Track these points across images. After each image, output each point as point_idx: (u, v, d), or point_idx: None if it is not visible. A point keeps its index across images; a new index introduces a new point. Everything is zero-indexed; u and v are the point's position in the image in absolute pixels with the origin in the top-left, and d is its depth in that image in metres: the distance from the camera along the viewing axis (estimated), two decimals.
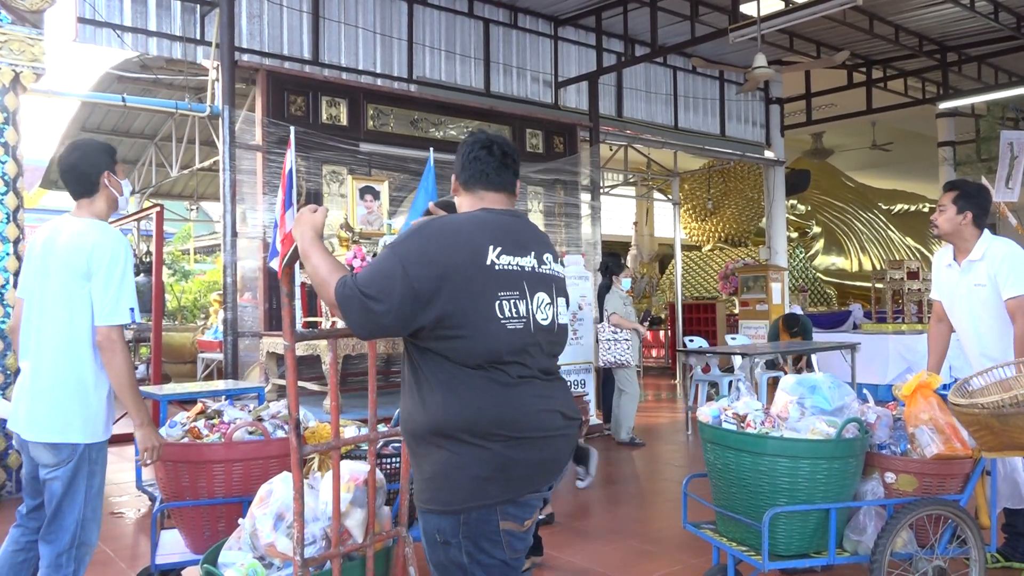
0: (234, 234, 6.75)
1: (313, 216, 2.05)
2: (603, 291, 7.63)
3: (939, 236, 3.69)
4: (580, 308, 7.73)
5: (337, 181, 7.37)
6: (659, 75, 11.21)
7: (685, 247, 15.39)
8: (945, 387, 3.44)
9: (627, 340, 7.29)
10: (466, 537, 1.93)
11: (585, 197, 9.62)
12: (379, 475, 2.63)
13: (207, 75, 7.26)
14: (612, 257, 8.05)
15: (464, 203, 2.13)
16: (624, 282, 7.51)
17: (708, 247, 16.78)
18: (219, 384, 5.88)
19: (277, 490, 2.53)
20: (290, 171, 6.38)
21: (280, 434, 3.39)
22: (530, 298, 1.98)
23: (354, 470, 2.52)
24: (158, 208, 8.12)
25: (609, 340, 7.27)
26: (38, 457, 2.60)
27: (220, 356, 7.69)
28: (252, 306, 7.01)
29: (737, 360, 8.75)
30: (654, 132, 11.13)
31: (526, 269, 1.99)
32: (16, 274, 5.47)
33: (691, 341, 9.56)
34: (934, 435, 3.05)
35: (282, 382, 6.31)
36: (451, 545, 1.94)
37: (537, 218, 8.98)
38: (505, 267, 1.95)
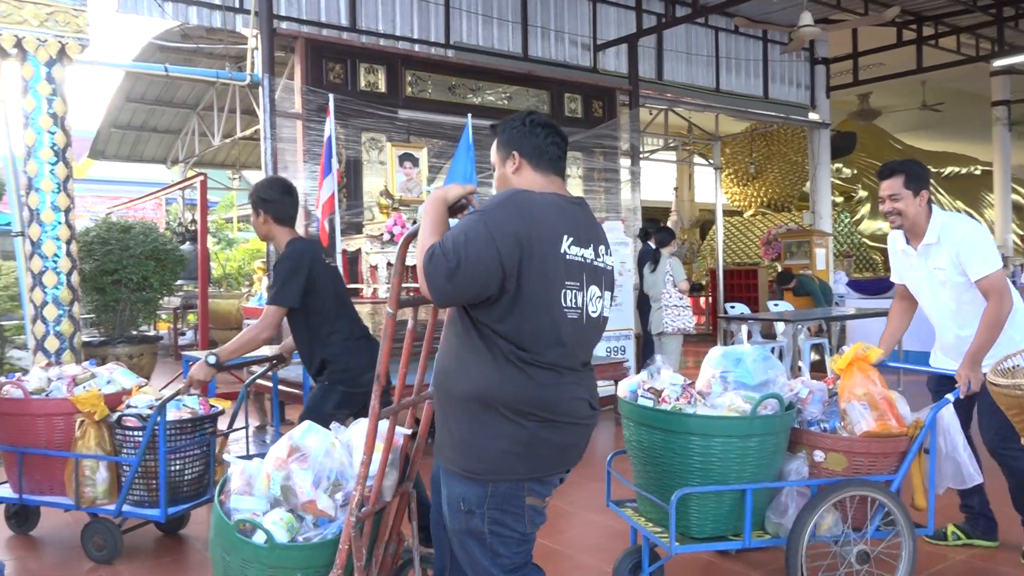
0: None
1: (448, 187, 2.13)
2: (644, 257, 7.58)
3: (902, 227, 3.44)
4: (620, 274, 7.69)
5: (376, 148, 7.39)
6: (700, 36, 10.96)
7: (727, 212, 15.17)
8: (886, 363, 3.34)
9: (689, 307, 7.31)
10: (491, 508, 2.00)
11: (625, 162, 9.52)
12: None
13: (247, 44, 7.29)
14: (652, 223, 7.98)
15: (529, 182, 2.14)
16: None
17: (750, 212, 16.51)
18: (265, 349, 5.99)
19: (312, 446, 2.48)
20: (329, 138, 6.42)
21: (57, 395, 3.72)
22: (586, 290, 2.05)
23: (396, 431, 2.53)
24: (202, 177, 8.25)
25: (677, 307, 7.25)
26: None
27: None
28: None
29: (780, 326, 8.66)
30: (695, 95, 10.92)
31: (587, 261, 2.06)
32: (68, 242, 5.61)
33: (733, 308, 9.47)
34: (866, 411, 2.88)
35: None
36: (475, 515, 2.01)
37: (576, 184, 8.91)
38: (574, 258, 2.02)
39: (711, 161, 13.56)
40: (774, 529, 2.88)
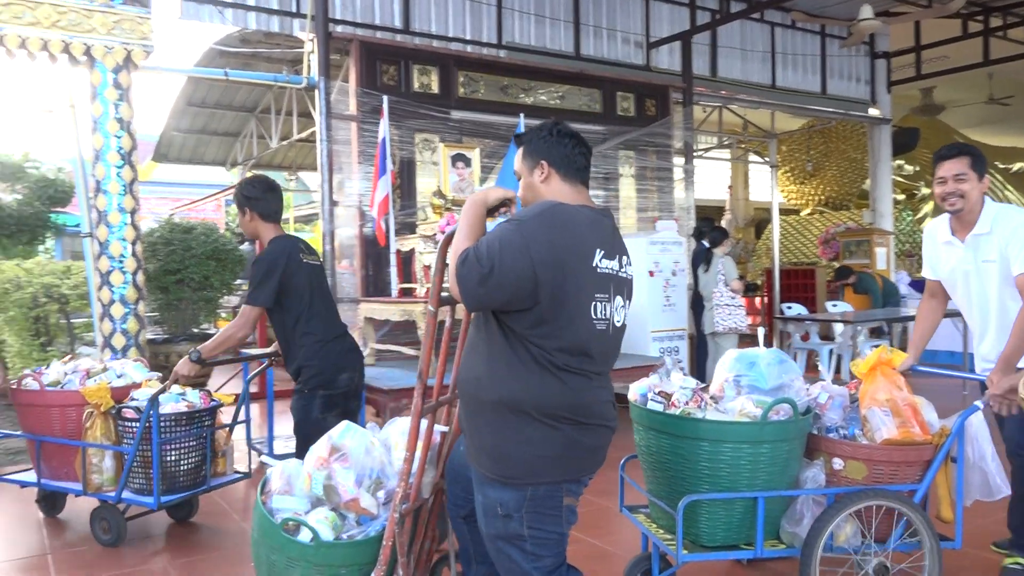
0: (332, 203, 6.93)
1: (488, 190, 2.17)
2: (697, 257, 7.48)
3: (960, 211, 3.20)
4: (673, 274, 7.62)
5: (429, 149, 7.45)
6: (755, 32, 10.77)
7: (783, 211, 14.88)
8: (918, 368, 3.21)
9: (741, 306, 7.21)
10: (529, 512, 2.03)
11: (678, 161, 9.43)
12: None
13: (303, 47, 7.43)
14: (707, 222, 7.89)
15: (560, 192, 2.17)
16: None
17: (807, 211, 16.16)
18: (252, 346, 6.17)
19: (352, 445, 2.50)
20: (383, 139, 6.49)
21: (71, 387, 4.01)
22: (612, 301, 2.10)
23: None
24: None
25: (729, 306, 7.16)
26: None
27: None
28: (350, 273, 7.20)
29: (838, 328, 8.46)
30: (750, 92, 10.74)
31: (614, 273, 2.11)
32: (133, 243, 5.79)
33: (789, 308, 9.29)
34: (887, 418, 2.74)
35: (380, 346, 6.50)
36: (512, 519, 2.04)
37: (628, 183, 8.85)
38: (604, 271, 2.06)
39: (767, 159, 13.33)
40: (789, 539, 2.77)
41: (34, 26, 5.35)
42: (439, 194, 6.31)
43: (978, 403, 2.96)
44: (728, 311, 7.19)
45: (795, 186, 16.21)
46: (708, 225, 7.98)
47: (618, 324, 2.13)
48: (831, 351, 8.42)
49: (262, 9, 7.31)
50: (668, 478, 2.78)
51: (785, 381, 2.83)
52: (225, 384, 8.27)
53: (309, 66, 7.26)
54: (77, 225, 7.18)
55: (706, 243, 7.53)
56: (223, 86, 10.83)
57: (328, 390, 3.36)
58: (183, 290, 6.57)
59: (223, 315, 12.16)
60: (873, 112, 12.12)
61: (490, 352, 2.05)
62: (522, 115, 7.24)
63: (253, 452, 5.57)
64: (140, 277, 5.86)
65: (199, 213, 14.62)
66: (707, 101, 10.68)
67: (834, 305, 9.43)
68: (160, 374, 4.37)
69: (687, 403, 2.78)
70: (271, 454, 5.18)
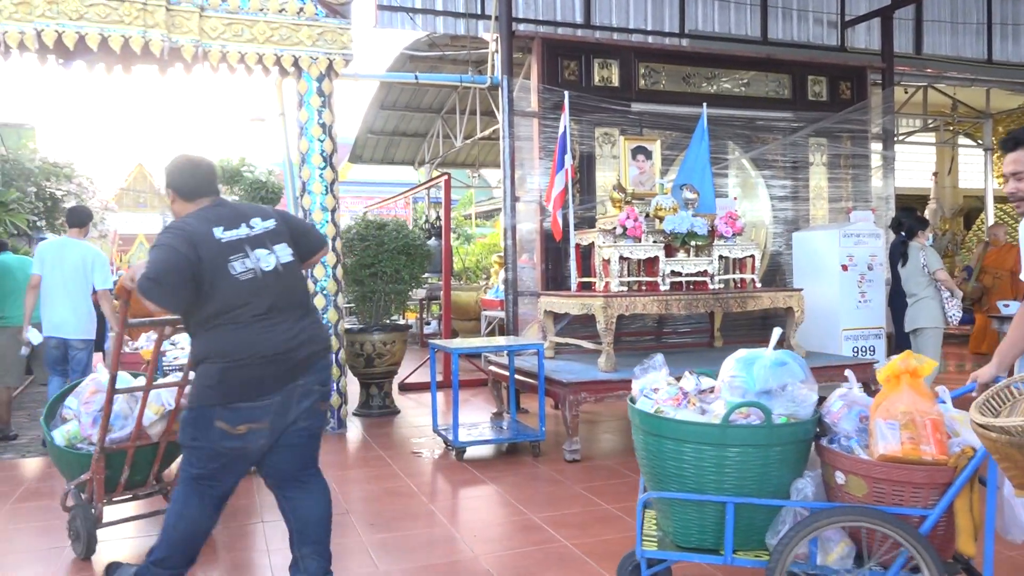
0: (514, 198, 7.10)
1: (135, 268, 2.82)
2: (894, 250, 6.94)
3: None
4: (870, 268, 7.13)
5: (609, 143, 7.44)
6: (968, 1, 9.80)
7: (998, 199, 13.47)
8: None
9: (954, 296, 6.58)
10: (191, 426, 2.78)
11: (876, 147, 8.78)
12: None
13: (487, 48, 7.66)
14: (907, 212, 7.28)
15: (184, 209, 2.91)
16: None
17: None
18: (501, 340, 6.26)
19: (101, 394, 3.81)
20: (563, 134, 6.55)
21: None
22: (251, 255, 2.79)
23: (168, 400, 3.88)
24: (446, 177, 8.79)
25: (949, 298, 6.56)
26: (75, 345, 5.85)
27: (501, 314, 8.19)
28: (530, 267, 7.35)
29: None
30: (961, 68, 9.79)
31: (243, 236, 2.82)
32: (334, 239, 6.24)
33: (1006, 307, 8.40)
34: (891, 431, 2.41)
35: (559, 339, 6.59)
36: (184, 431, 2.82)
37: (820, 172, 8.37)
38: (229, 239, 2.78)
39: (980, 142, 12.12)
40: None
41: (251, 42, 5.89)
42: (619, 188, 6.28)
43: None
44: (952, 303, 6.58)
45: None
46: (906, 215, 7.37)
47: (267, 268, 2.80)
48: None
49: (449, 13, 7.62)
50: (646, 475, 2.92)
51: (774, 386, 2.69)
52: (413, 372, 8.72)
53: (493, 66, 7.47)
54: None
55: (903, 234, 6.97)
56: (412, 89, 11.42)
57: None
58: (376, 283, 6.98)
59: (411, 306, 12.82)
60: None
61: (195, 341, 2.86)
62: (704, 104, 7.04)
63: (438, 437, 5.84)
64: (339, 271, 6.31)
65: (390, 210, 15.49)
66: (910, 81, 9.89)
67: None
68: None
69: (665, 401, 2.84)
70: (456, 442, 5.41)
